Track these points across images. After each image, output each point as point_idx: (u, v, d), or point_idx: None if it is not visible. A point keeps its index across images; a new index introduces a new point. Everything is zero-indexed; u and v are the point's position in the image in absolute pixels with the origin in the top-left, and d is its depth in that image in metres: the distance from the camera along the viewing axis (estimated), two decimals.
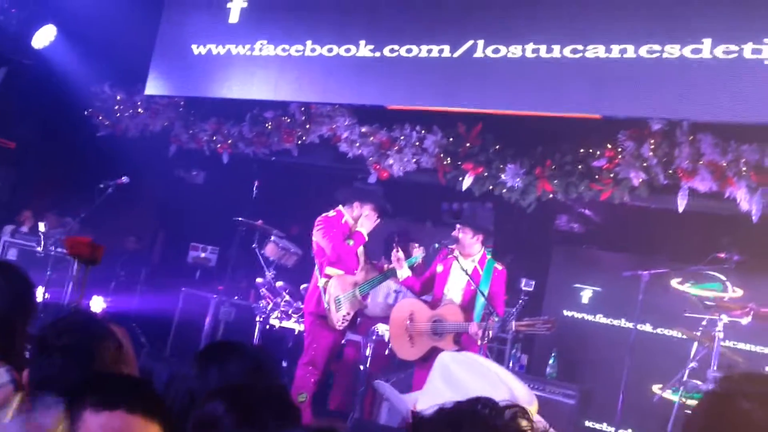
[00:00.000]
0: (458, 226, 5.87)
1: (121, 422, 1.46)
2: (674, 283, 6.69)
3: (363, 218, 6.22)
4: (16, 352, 2.43)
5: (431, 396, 2.15)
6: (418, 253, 6.32)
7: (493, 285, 5.72)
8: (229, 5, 8.09)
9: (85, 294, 6.25)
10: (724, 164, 5.78)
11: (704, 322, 5.95)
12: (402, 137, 7.55)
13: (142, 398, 1.51)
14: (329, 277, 6.20)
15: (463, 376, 2.16)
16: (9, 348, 2.46)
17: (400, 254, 6.08)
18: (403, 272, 6.07)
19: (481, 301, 5.58)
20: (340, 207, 6.35)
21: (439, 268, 5.94)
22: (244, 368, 2.65)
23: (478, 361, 2.34)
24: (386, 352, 6.66)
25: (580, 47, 6.10)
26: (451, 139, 7.30)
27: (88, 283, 8.23)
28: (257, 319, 7.48)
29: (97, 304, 8.69)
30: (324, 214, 6.32)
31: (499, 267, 5.81)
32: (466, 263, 5.76)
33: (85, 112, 9.36)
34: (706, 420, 1.38)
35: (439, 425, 0.92)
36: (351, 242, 6.16)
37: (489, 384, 1.97)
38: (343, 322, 6.17)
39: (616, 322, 7.45)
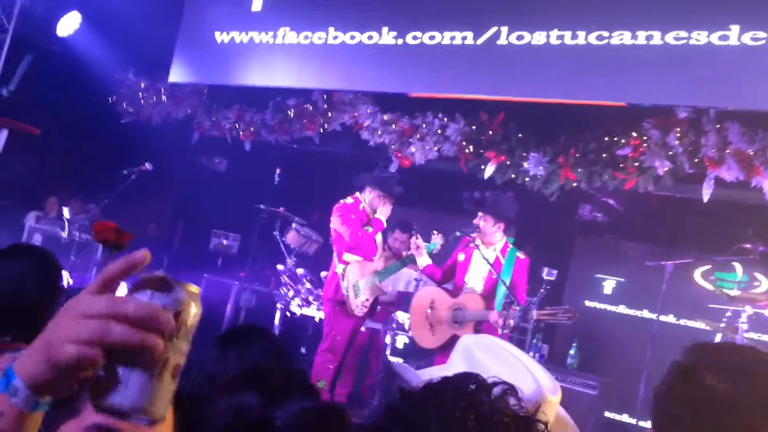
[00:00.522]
0: (480, 214, 5.83)
1: None
2: (698, 274, 6.62)
3: (380, 205, 6.23)
4: None
5: (449, 373, 2.12)
6: (436, 239, 6.30)
7: (515, 274, 5.68)
8: None
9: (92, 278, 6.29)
10: (752, 153, 5.69)
11: (728, 314, 5.88)
12: (424, 125, 7.52)
13: None
14: (347, 263, 6.20)
15: (483, 359, 2.14)
16: (36, 333, 2.47)
17: (420, 241, 6.05)
18: (423, 260, 6.04)
19: (502, 290, 5.54)
20: (358, 194, 6.35)
21: (461, 257, 5.90)
22: (263, 352, 2.66)
23: (501, 345, 2.31)
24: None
25: (605, 33, 6.02)
26: (473, 127, 7.26)
27: None
28: (278, 306, 7.51)
29: (121, 290, 8.76)
30: (342, 201, 6.31)
31: (522, 256, 5.77)
32: (488, 252, 5.73)
33: (110, 99, 9.43)
34: (670, 393, 1.31)
35: (424, 397, 0.90)
36: (369, 229, 6.16)
37: (511, 369, 1.93)
38: (362, 309, 6.17)
39: (638, 313, 7.39)
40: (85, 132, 9.27)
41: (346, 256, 6.21)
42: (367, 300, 6.17)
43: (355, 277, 6.15)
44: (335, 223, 6.24)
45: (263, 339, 2.77)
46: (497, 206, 5.83)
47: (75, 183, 9.50)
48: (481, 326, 5.67)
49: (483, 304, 5.64)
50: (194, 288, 0.93)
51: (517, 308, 5.40)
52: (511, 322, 5.39)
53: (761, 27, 5.44)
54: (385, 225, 6.20)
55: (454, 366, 2.33)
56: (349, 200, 6.33)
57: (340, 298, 6.14)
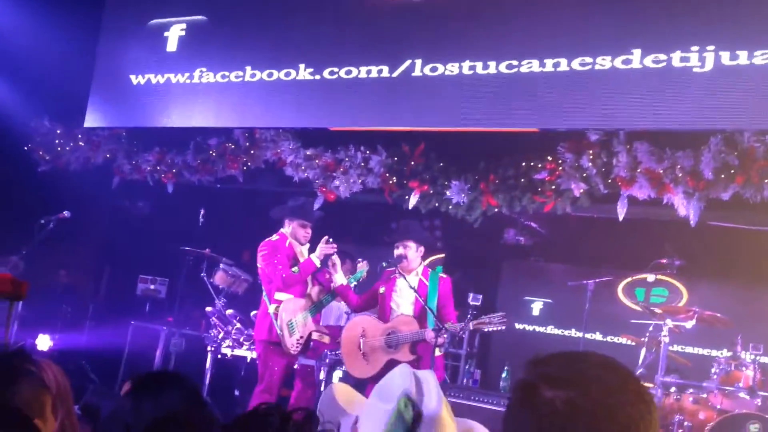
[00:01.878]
0: (403, 243, 5.90)
1: None
2: (620, 290, 6.78)
3: (303, 234, 6.19)
4: None
5: (366, 413, 2.10)
6: (362, 267, 6.31)
7: (441, 294, 5.82)
8: (166, 34, 8.03)
9: (13, 333, 6.08)
10: (661, 171, 5.89)
11: (651, 328, 6.04)
12: (347, 158, 7.55)
13: (3, 423, 1.42)
14: (279, 302, 6.13)
15: (386, 380, 2.10)
16: None
17: (336, 260, 6.07)
18: (339, 277, 6.08)
19: (430, 311, 5.63)
20: (282, 229, 6.30)
21: (381, 290, 5.96)
22: (179, 398, 2.59)
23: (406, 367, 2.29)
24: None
25: (515, 62, 6.18)
26: (395, 159, 7.33)
27: (34, 322, 8.07)
28: (208, 348, 7.38)
29: (44, 342, 8.49)
30: (267, 239, 6.26)
31: (443, 275, 5.95)
32: (411, 278, 5.81)
33: (25, 148, 9.18)
34: (513, 414, 1.25)
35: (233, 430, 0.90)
36: (296, 270, 6.10)
37: (405, 379, 1.91)
38: (297, 347, 6.10)
39: (567, 333, 7.52)
40: (0, 182, 8.99)
41: (278, 296, 6.14)
42: (301, 337, 6.11)
43: (288, 316, 6.08)
44: (261, 262, 6.18)
45: (179, 384, 2.70)
46: (415, 232, 5.96)
47: None
48: (416, 347, 5.70)
49: (416, 325, 5.71)
50: None
51: (449, 325, 5.55)
52: (445, 337, 5.57)
53: (662, 49, 5.67)
54: (317, 265, 6.13)
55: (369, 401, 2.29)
56: (274, 237, 6.27)
57: (275, 338, 6.05)
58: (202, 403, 2.80)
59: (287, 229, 6.26)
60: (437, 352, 5.76)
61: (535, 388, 1.21)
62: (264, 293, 6.25)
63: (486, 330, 5.70)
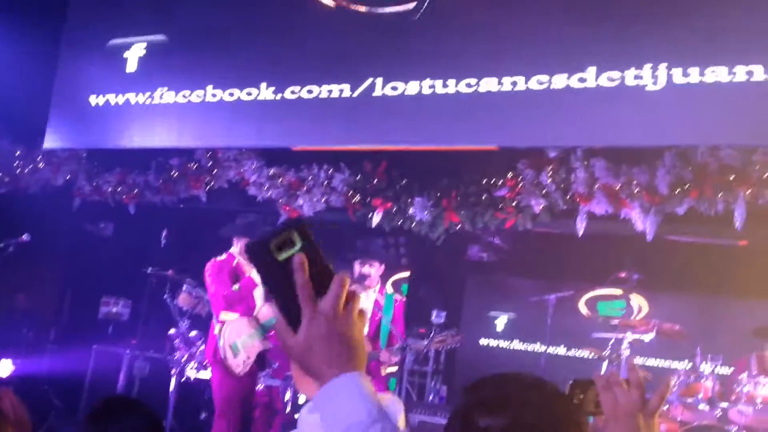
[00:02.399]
0: (366, 261, 5.96)
1: None
2: (581, 304, 6.86)
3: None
4: None
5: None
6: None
7: (395, 314, 6.00)
8: (126, 54, 7.98)
9: None
10: (618, 187, 5.99)
11: (612, 341, 6.12)
12: (310, 177, 7.56)
13: None
14: (223, 322, 6.08)
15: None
16: None
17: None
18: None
19: (385, 330, 5.69)
20: (232, 248, 6.28)
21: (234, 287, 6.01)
22: (141, 426, 2.58)
23: None
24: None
25: (473, 81, 6.24)
26: (358, 177, 7.35)
27: None
28: (172, 371, 7.31)
29: (5, 367, 8.35)
30: (213, 259, 6.23)
31: (398, 297, 6.16)
32: (370, 294, 5.87)
33: None
34: None
35: None
36: (236, 287, 6.05)
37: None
38: (244, 368, 6.03)
39: (531, 347, 7.57)
40: None
41: (223, 315, 6.08)
42: (248, 358, 6.04)
43: (232, 337, 6.02)
44: (207, 281, 6.15)
45: (139, 411, 2.69)
46: (380, 251, 6.06)
47: None
48: (369, 366, 5.72)
49: (370, 346, 5.75)
50: None
51: (399, 345, 5.74)
52: (396, 357, 5.76)
53: (615, 67, 5.77)
54: (257, 283, 6.07)
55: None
56: (222, 257, 6.25)
57: (219, 359, 6.00)
58: (162, 429, 2.79)
59: (235, 248, 6.25)
60: (383, 371, 5.88)
61: (470, 418, 1.23)
62: (213, 314, 6.22)
63: (446, 348, 5.79)
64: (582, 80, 5.85)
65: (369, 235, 7.64)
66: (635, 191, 5.96)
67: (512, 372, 1.30)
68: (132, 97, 7.86)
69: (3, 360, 8.29)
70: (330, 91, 6.96)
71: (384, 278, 6.76)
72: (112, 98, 7.96)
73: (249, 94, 7.36)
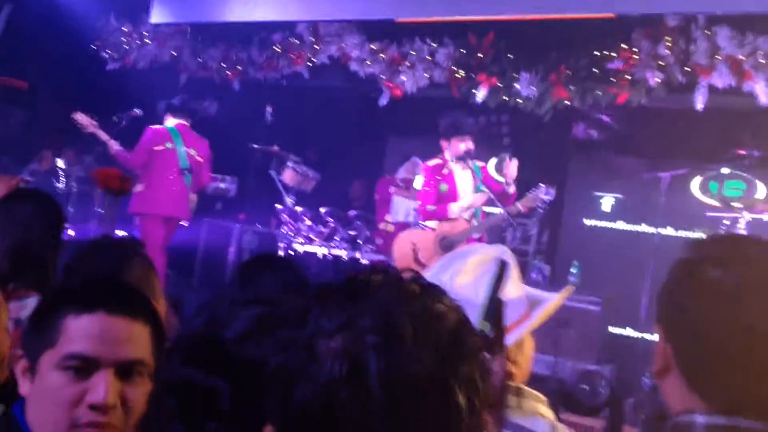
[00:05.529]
0: (468, 136, 5.94)
1: (102, 324, 1.41)
2: (695, 184, 6.60)
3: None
4: (50, 284, 2.43)
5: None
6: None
7: (485, 180, 6.03)
8: None
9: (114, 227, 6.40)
10: (742, 58, 5.60)
11: (726, 221, 5.88)
12: (413, 52, 7.40)
13: (124, 300, 1.46)
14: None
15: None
16: (43, 280, 2.46)
17: None
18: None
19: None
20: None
21: (443, 187, 6.06)
22: (282, 283, 2.48)
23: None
24: None
25: None
26: (463, 51, 7.15)
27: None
28: (280, 245, 7.55)
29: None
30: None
31: (480, 163, 6.16)
32: (465, 168, 6.01)
33: (93, 47, 9.26)
34: (675, 291, 1.25)
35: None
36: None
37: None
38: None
39: (637, 228, 7.40)
40: (71, 82, 9.12)
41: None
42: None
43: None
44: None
45: (282, 268, 2.64)
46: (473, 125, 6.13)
47: (66, 134, 9.41)
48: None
49: (465, 224, 5.85)
50: None
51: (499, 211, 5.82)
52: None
53: None
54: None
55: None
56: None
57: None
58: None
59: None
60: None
61: (701, 268, 1.21)
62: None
63: (539, 206, 5.69)
64: None
65: (472, 112, 7.49)
66: (761, 62, 5.56)
67: (747, 234, 1.27)
68: None
69: (118, 232, 8.69)
70: None
71: (486, 158, 6.64)
72: None
73: None
